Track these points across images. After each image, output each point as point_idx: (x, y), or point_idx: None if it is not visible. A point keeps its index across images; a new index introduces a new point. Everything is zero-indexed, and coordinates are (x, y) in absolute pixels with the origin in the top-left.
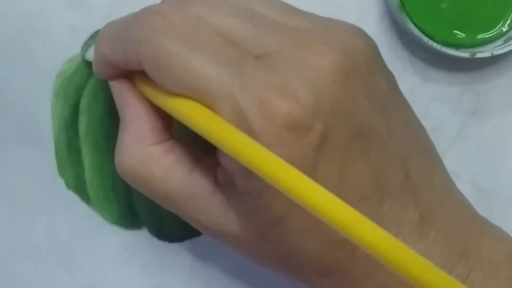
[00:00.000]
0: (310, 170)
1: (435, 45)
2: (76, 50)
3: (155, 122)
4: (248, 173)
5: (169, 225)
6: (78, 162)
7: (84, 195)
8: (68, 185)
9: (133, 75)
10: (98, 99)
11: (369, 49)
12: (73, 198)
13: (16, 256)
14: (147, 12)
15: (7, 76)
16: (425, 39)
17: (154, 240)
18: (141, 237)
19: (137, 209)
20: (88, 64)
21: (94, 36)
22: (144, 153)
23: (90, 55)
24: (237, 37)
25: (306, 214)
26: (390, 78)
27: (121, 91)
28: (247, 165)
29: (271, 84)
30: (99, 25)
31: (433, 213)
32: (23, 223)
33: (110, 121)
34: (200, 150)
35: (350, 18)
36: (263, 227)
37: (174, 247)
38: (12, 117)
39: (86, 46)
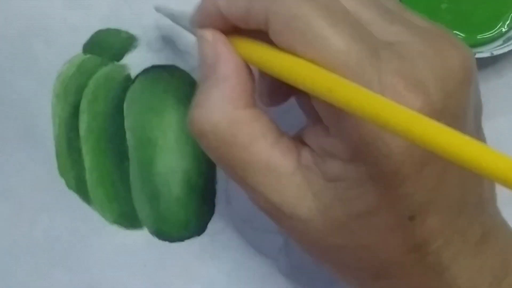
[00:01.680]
0: (419, 165)
1: None
2: (76, 50)
3: (246, 85)
4: (351, 158)
5: (170, 225)
6: (79, 162)
7: (84, 195)
8: (69, 185)
9: (230, 32)
10: (98, 99)
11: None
12: (74, 198)
13: (16, 255)
14: None
15: (8, 76)
16: None
17: (155, 240)
18: (142, 237)
19: (137, 208)
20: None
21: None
22: (232, 115)
23: (168, 10)
24: (366, 19)
25: (395, 211)
26: (479, 91)
27: (216, 44)
28: (392, 129)
29: (406, 74)
30: (99, 26)
31: (491, 231)
32: (24, 222)
33: (111, 121)
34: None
35: None
36: (346, 217)
37: (174, 247)
38: (13, 117)
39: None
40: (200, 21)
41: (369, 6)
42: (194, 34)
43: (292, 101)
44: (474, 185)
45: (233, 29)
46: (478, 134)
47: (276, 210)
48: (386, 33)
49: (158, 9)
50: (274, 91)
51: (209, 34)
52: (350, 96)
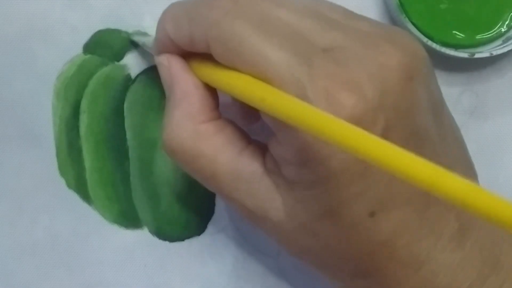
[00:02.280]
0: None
1: (434, 46)
2: (76, 50)
3: (205, 100)
4: (300, 163)
5: (170, 225)
6: (79, 162)
7: (84, 195)
8: (69, 185)
9: (186, 54)
10: (98, 99)
11: (426, 57)
12: (74, 198)
13: (17, 255)
14: None
15: (9, 77)
16: (424, 39)
17: (155, 240)
18: (142, 237)
19: (138, 208)
20: (133, 43)
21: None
22: (195, 130)
23: (138, 37)
24: (303, 29)
25: (352, 210)
26: (439, 87)
27: (172, 67)
28: (319, 135)
29: (338, 77)
30: (99, 26)
31: (470, 224)
32: (24, 222)
33: (111, 120)
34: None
35: None
36: (308, 219)
37: (174, 246)
38: (13, 117)
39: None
40: (158, 48)
41: (308, 17)
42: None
43: None
44: None
45: (188, 53)
46: (438, 127)
47: (252, 214)
48: (323, 40)
49: (132, 36)
50: (246, 112)
51: (164, 59)
52: (280, 105)
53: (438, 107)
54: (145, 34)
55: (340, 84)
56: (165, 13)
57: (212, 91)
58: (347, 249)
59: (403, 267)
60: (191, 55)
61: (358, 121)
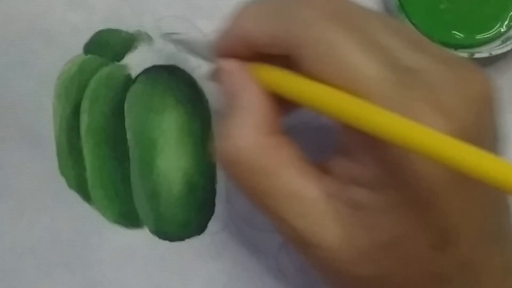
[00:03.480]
0: (451, 192)
1: None
2: (77, 50)
3: (270, 112)
4: (375, 186)
5: (170, 224)
6: (79, 162)
7: (85, 194)
8: (70, 185)
9: (248, 61)
10: (99, 99)
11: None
12: (75, 197)
13: (18, 254)
14: None
15: (9, 76)
16: None
17: (155, 239)
18: (142, 236)
19: (138, 208)
20: (169, 41)
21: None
22: (258, 142)
23: (179, 37)
24: (391, 47)
25: (421, 240)
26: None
27: (237, 73)
28: (414, 148)
29: (434, 100)
30: (100, 26)
31: (510, 265)
32: (25, 222)
33: (111, 120)
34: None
35: None
36: (371, 246)
37: (174, 246)
38: (14, 117)
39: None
40: (222, 48)
41: (392, 34)
42: (211, 62)
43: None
44: (493, 213)
45: (253, 57)
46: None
47: (301, 238)
48: (410, 60)
49: (165, 37)
50: (277, 105)
51: (231, 65)
52: (379, 122)
53: (496, 143)
54: (177, 33)
55: (437, 109)
56: (243, 11)
57: (275, 102)
58: (405, 279)
59: None
60: (255, 60)
61: None
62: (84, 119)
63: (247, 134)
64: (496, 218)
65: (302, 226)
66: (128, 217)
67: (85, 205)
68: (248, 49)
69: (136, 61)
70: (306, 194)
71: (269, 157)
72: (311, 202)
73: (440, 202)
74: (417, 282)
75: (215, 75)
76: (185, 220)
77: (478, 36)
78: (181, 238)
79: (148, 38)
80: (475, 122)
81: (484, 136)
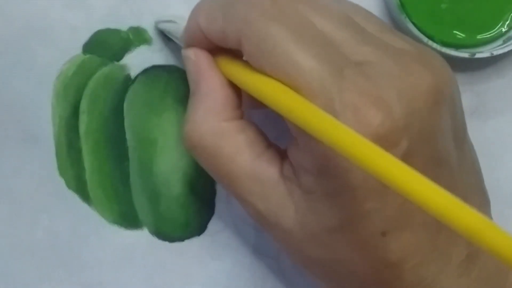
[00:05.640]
0: None
1: (435, 45)
2: (76, 50)
3: (230, 98)
4: (318, 172)
5: (170, 225)
6: (79, 162)
7: (84, 195)
8: (69, 185)
9: (213, 50)
10: (98, 99)
11: (455, 81)
12: (74, 198)
13: (16, 255)
14: None
15: (8, 77)
16: (425, 39)
17: (155, 240)
18: (142, 237)
19: (137, 209)
20: (160, 33)
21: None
22: (217, 127)
23: (164, 24)
24: (337, 40)
25: (365, 227)
26: (463, 112)
27: (199, 62)
28: (337, 149)
29: (368, 93)
30: (99, 26)
31: (478, 253)
32: (24, 222)
33: (111, 121)
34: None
35: None
36: (320, 230)
37: (174, 247)
38: (13, 117)
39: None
40: (187, 40)
41: (342, 28)
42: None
43: None
44: None
45: (218, 48)
46: (458, 153)
47: (263, 219)
48: (356, 53)
49: (157, 23)
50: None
51: (192, 53)
52: (305, 116)
53: (460, 133)
54: (170, 21)
55: (369, 100)
56: (198, 5)
57: (236, 89)
58: (355, 265)
59: None
60: (219, 51)
61: (382, 140)
62: (83, 119)
63: (207, 119)
64: None
65: (263, 207)
66: (127, 218)
67: (84, 205)
68: (209, 43)
69: (136, 61)
70: (265, 176)
71: (228, 141)
72: (270, 184)
73: (373, 192)
74: (370, 269)
75: (184, 63)
76: (185, 221)
77: (479, 36)
78: (181, 239)
79: (148, 38)
80: (411, 114)
81: (427, 127)
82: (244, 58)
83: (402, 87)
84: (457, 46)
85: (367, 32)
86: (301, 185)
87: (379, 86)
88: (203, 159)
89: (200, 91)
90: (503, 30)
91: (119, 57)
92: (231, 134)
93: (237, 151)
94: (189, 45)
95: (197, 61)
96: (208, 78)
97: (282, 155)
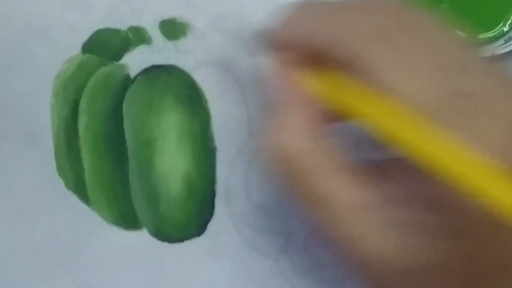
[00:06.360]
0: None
1: None
2: (75, 50)
3: (322, 113)
4: (423, 207)
5: (169, 226)
6: (78, 162)
7: (83, 195)
8: (68, 185)
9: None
10: (97, 99)
11: None
12: (73, 198)
13: (16, 256)
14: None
15: (7, 76)
16: None
17: (154, 241)
18: (141, 238)
19: (137, 209)
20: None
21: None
22: (309, 142)
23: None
24: (446, 64)
25: (465, 270)
26: None
27: (292, 70)
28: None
29: (478, 129)
30: (98, 25)
31: None
32: (23, 223)
33: (110, 121)
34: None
35: None
36: (415, 266)
37: (173, 247)
38: (12, 117)
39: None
40: (279, 41)
41: (449, 50)
42: (257, 53)
43: None
44: None
45: (306, 57)
46: None
47: (349, 244)
48: (465, 82)
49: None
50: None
51: (283, 59)
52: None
53: None
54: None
55: (483, 139)
56: (302, 7)
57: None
58: None
59: None
60: (305, 60)
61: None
62: (83, 119)
63: (297, 132)
64: None
65: (356, 234)
66: (127, 218)
67: (84, 206)
68: (302, 50)
69: (135, 61)
70: (364, 202)
71: (319, 159)
72: (364, 209)
73: (485, 237)
74: None
75: (270, 68)
76: (184, 222)
77: (481, 36)
78: (180, 240)
79: (147, 38)
80: None
81: None
82: (356, 74)
83: None
84: None
85: (475, 62)
86: (400, 217)
87: (492, 122)
88: (285, 175)
89: (289, 101)
90: (505, 30)
91: (119, 56)
92: (323, 151)
93: (328, 170)
94: (281, 47)
95: (289, 69)
96: (299, 90)
97: (376, 180)
